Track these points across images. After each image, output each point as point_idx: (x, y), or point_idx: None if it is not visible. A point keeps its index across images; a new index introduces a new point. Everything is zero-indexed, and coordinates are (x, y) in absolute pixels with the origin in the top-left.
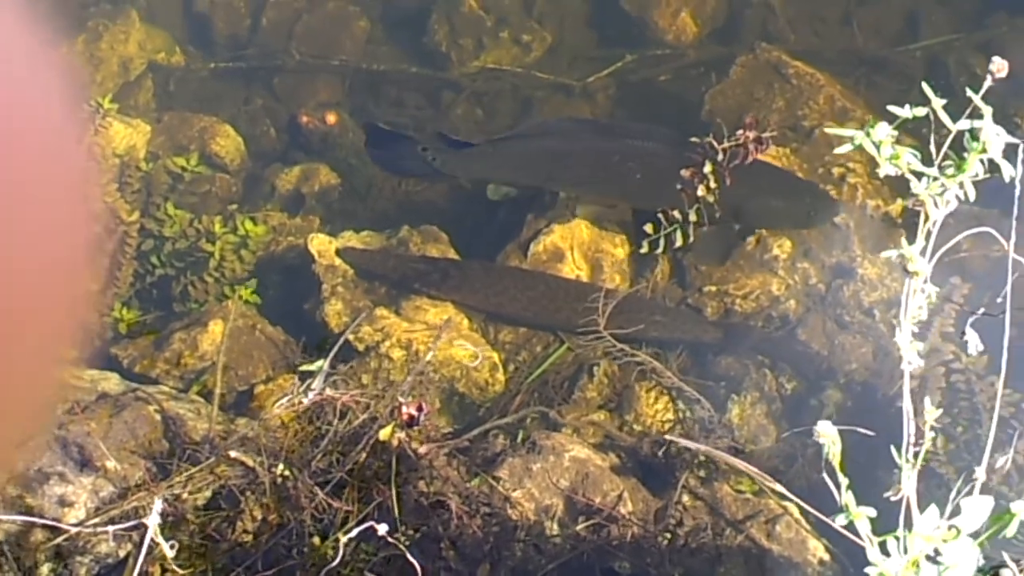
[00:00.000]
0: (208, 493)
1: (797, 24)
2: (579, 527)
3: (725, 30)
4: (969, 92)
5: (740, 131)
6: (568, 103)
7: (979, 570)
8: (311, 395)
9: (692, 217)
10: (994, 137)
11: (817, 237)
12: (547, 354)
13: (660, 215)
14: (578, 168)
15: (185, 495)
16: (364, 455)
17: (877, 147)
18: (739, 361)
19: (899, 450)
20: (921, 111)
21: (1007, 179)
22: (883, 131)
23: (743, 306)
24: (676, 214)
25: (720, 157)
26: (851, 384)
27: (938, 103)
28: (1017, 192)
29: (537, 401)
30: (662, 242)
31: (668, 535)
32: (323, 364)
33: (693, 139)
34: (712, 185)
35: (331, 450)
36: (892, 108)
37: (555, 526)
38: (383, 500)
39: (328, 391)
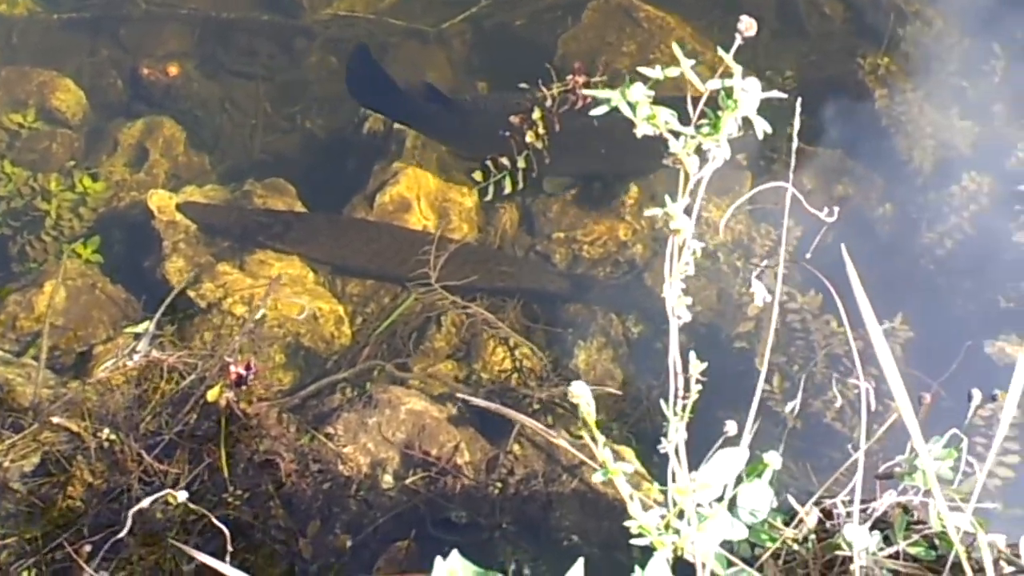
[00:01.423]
0: (36, 459)
1: None
2: (411, 479)
3: None
4: (720, 51)
5: (569, 76)
6: (423, 49)
7: (775, 511)
8: (136, 357)
9: (520, 164)
10: (745, 95)
11: (663, 181)
12: (395, 305)
13: (489, 162)
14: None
15: (7, 463)
16: (194, 416)
17: (633, 108)
18: (586, 307)
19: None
20: (674, 71)
21: (760, 136)
22: (638, 92)
23: (590, 252)
24: (505, 161)
25: (549, 103)
26: (695, 326)
27: (687, 64)
28: (794, 145)
29: (386, 352)
30: (491, 189)
31: (499, 484)
32: (149, 326)
33: (522, 85)
34: (541, 131)
35: (160, 412)
36: (642, 70)
37: (390, 479)
38: (213, 461)
39: (155, 352)
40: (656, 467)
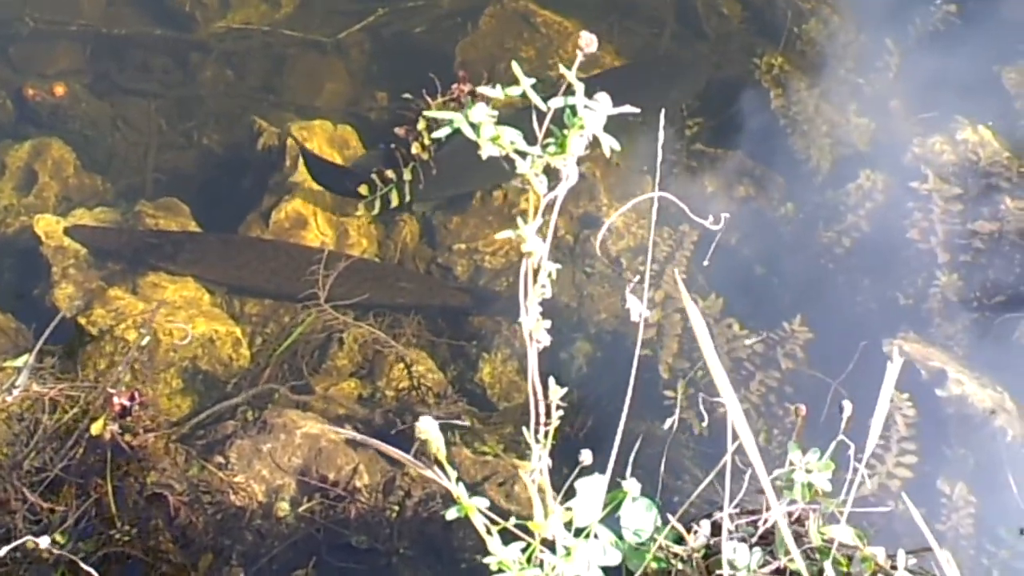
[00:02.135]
0: None
1: None
2: (308, 506)
3: None
4: (562, 69)
5: (454, 85)
6: (322, 60)
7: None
8: (16, 392)
9: (407, 176)
10: (590, 116)
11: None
12: (296, 324)
13: (375, 175)
14: None
15: None
16: (80, 451)
17: (476, 129)
18: (490, 318)
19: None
20: (516, 90)
21: (608, 153)
22: (480, 113)
23: (492, 262)
24: (390, 174)
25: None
26: (601, 334)
27: (527, 83)
28: (659, 159)
29: (287, 373)
30: (378, 203)
31: (397, 507)
32: (28, 359)
33: (406, 95)
34: (427, 142)
35: (44, 447)
36: (482, 89)
37: (286, 506)
38: (101, 496)
39: (35, 387)
40: (565, 480)
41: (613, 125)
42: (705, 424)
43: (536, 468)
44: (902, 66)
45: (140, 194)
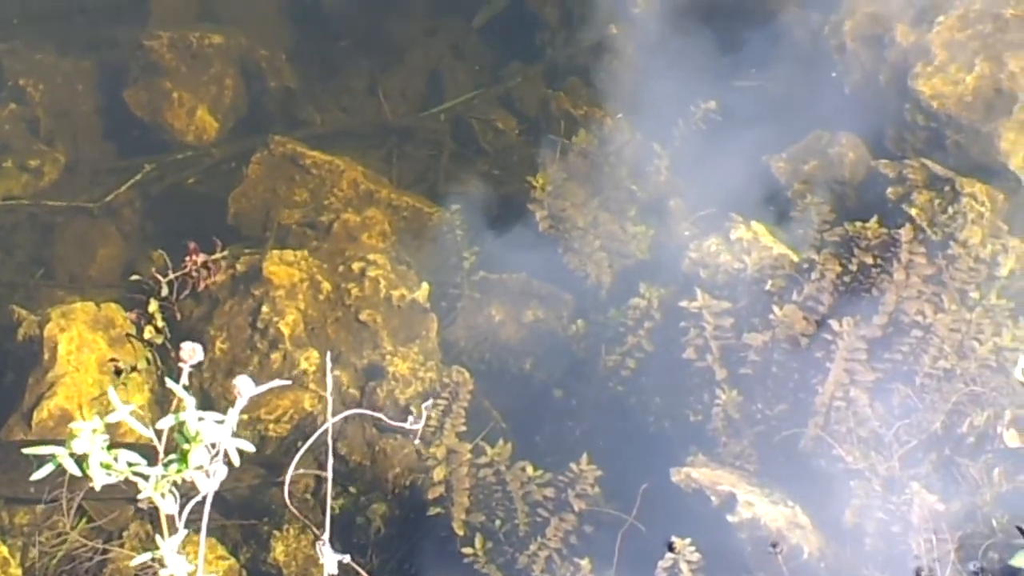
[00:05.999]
0: None
1: (323, 101)
2: None
3: (249, 120)
4: (169, 383)
5: (186, 258)
6: (93, 225)
7: None
8: None
9: (140, 365)
10: (208, 427)
11: (346, 340)
12: (74, 526)
13: (113, 361)
14: None
15: None
16: None
17: (81, 464)
18: (281, 490)
19: None
20: (115, 416)
21: (235, 461)
22: (84, 443)
23: (276, 430)
24: (123, 364)
25: (166, 292)
26: (398, 490)
27: (125, 410)
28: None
29: None
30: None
31: None
32: None
33: (134, 277)
34: (160, 325)
35: None
36: (76, 424)
37: None
38: None
39: None
40: None
41: None
42: (548, 560)
43: None
44: (673, 168)
45: None
